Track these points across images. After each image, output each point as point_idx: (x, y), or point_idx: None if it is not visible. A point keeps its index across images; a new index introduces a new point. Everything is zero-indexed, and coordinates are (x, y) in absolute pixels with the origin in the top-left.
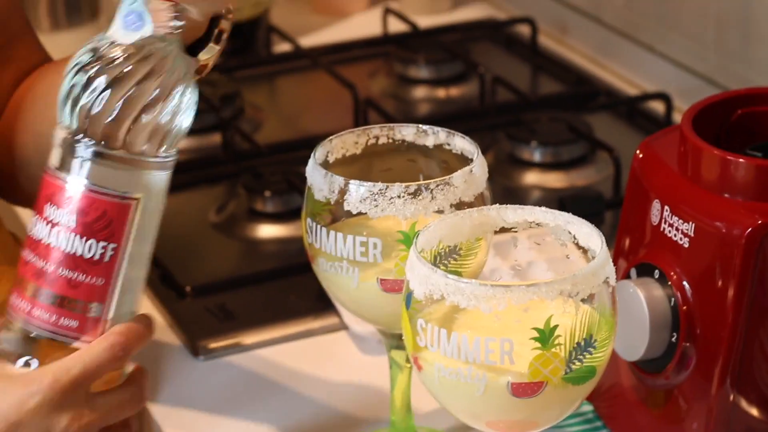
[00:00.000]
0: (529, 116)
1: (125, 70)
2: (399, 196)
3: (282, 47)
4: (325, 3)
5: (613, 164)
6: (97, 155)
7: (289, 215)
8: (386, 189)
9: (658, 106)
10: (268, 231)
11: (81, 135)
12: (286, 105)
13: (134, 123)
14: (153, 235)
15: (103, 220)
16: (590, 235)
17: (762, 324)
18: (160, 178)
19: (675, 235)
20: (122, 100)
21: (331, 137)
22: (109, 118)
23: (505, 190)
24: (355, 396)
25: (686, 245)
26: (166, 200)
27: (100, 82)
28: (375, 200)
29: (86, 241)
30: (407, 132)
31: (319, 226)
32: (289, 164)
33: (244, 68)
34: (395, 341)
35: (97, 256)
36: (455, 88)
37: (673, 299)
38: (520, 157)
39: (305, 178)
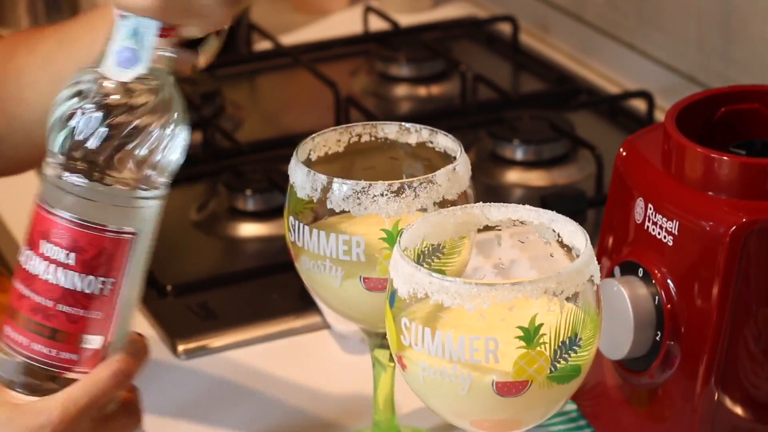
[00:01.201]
0: (510, 114)
1: (119, 106)
2: (382, 195)
3: (263, 45)
4: (305, 1)
5: (596, 162)
6: (92, 191)
7: (271, 214)
8: (369, 187)
9: (639, 105)
10: (249, 229)
11: (73, 170)
12: (267, 103)
13: (128, 158)
14: (148, 259)
15: (102, 256)
16: (574, 233)
17: (746, 323)
18: (155, 208)
19: (659, 234)
20: (116, 136)
21: (313, 135)
22: (103, 155)
23: (486, 188)
24: (337, 395)
25: (670, 243)
26: (159, 224)
27: (94, 117)
28: (358, 198)
29: (85, 277)
30: (390, 130)
31: (301, 225)
32: (270, 162)
33: (225, 66)
34: (378, 340)
35: (96, 291)
36: (436, 86)
37: (657, 298)
38: (501, 155)
39: (286, 177)
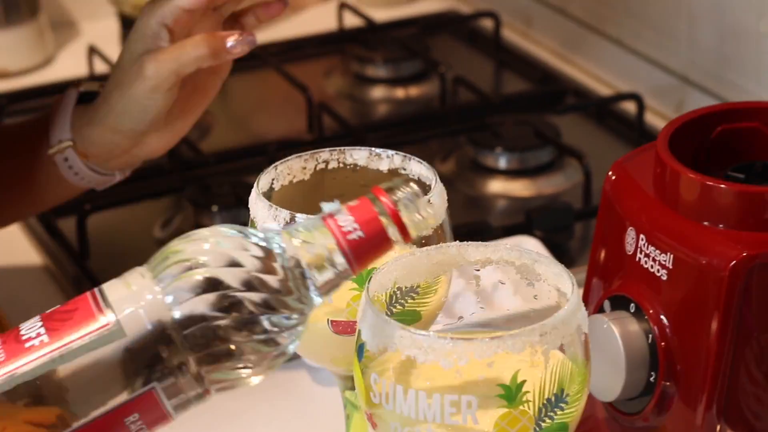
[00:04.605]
0: (493, 119)
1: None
2: None
3: None
4: None
5: (583, 172)
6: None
7: None
8: None
9: (629, 107)
10: None
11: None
12: (236, 107)
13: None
14: None
15: None
16: (560, 276)
17: (746, 361)
18: None
19: (652, 267)
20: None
21: (276, 163)
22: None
23: (468, 199)
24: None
25: (664, 277)
26: None
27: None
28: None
29: None
30: (359, 156)
31: None
32: (238, 173)
33: None
34: (349, 382)
35: None
36: (415, 87)
37: (650, 335)
38: (483, 163)
39: None
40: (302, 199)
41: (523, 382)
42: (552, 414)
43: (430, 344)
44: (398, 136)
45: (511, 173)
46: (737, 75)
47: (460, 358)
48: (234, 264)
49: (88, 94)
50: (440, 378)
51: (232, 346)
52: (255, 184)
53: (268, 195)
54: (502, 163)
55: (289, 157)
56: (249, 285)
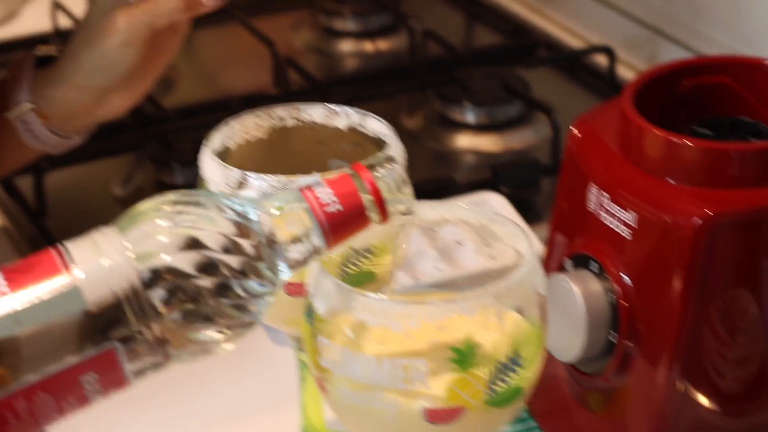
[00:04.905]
0: (462, 73)
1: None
2: None
3: None
4: None
5: (552, 127)
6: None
7: None
8: (288, 183)
9: (601, 60)
10: None
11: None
12: (201, 62)
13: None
14: None
15: None
16: (517, 236)
17: (711, 319)
18: None
19: (615, 225)
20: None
21: (229, 120)
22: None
23: (435, 154)
24: (265, 394)
25: (626, 236)
26: None
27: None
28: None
29: None
30: (316, 113)
31: None
32: (200, 130)
33: None
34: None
35: None
36: (384, 41)
37: (612, 295)
38: (451, 118)
39: None
40: (259, 158)
41: (476, 345)
42: (506, 378)
43: (380, 307)
44: (365, 90)
45: (479, 128)
46: (711, 27)
47: (411, 322)
48: (207, 226)
49: (44, 58)
50: (391, 342)
51: (200, 308)
52: (206, 142)
53: (222, 154)
54: (470, 117)
55: (242, 114)
56: (222, 247)
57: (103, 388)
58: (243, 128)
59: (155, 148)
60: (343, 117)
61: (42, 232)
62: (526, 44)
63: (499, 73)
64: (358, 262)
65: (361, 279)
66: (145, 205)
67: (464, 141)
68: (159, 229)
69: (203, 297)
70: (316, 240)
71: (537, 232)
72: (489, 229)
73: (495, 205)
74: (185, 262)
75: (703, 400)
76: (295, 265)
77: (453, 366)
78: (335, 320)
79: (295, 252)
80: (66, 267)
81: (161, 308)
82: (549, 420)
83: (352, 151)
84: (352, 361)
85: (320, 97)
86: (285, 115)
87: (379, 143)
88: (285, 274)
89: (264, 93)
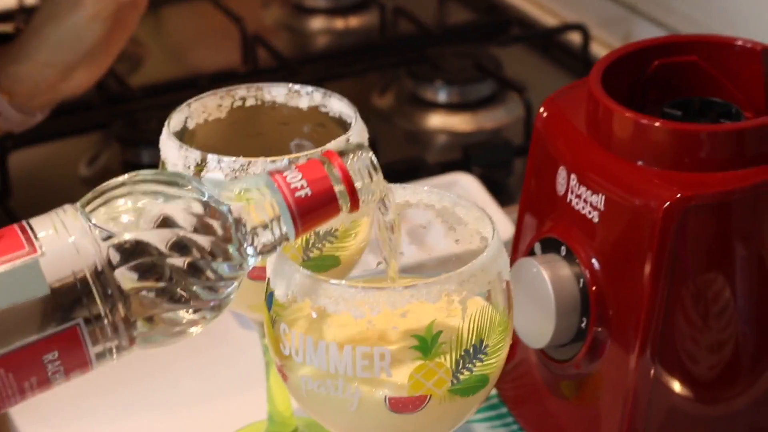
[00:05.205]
0: (433, 51)
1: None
2: None
3: None
4: None
5: (524, 106)
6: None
7: None
8: (249, 165)
9: (575, 38)
10: None
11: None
12: (169, 40)
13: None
14: None
15: None
16: (481, 220)
17: (683, 303)
18: None
19: (583, 208)
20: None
21: (189, 101)
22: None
23: (406, 134)
24: (232, 379)
25: (596, 220)
26: None
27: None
28: (236, 178)
29: None
30: (278, 92)
31: None
32: (167, 108)
33: None
34: None
35: None
36: (354, 17)
37: (581, 279)
38: (422, 97)
39: None
40: (220, 139)
41: (439, 333)
42: (470, 366)
43: (340, 294)
44: (335, 68)
45: (450, 107)
46: (686, 5)
47: (371, 309)
48: (176, 205)
49: (2, 35)
50: (352, 329)
51: (168, 288)
52: (166, 123)
53: (181, 134)
54: (442, 96)
55: (203, 95)
56: (191, 226)
57: (66, 369)
58: (204, 109)
59: (121, 127)
60: (305, 96)
61: (6, 212)
62: (499, 22)
63: (472, 51)
64: (320, 246)
65: (324, 263)
66: (112, 183)
67: (436, 120)
68: (127, 207)
69: (172, 276)
70: (285, 226)
71: (509, 214)
72: (453, 212)
73: (466, 186)
74: (155, 239)
75: (677, 386)
76: (263, 250)
77: (416, 354)
78: (295, 307)
79: (263, 237)
80: (29, 243)
81: (128, 287)
82: (521, 406)
83: (314, 132)
84: (312, 348)
85: (289, 75)
86: (247, 95)
87: (342, 124)
88: (252, 259)
89: (232, 71)
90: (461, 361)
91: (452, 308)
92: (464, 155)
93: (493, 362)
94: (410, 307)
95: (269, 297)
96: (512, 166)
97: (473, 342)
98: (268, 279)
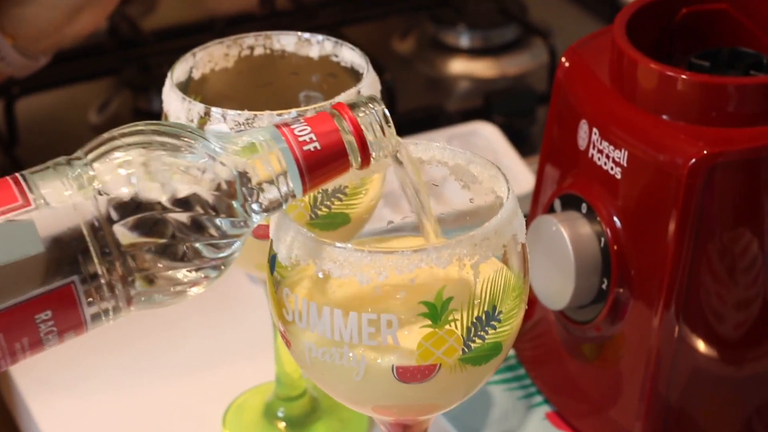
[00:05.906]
0: None
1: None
2: None
3: None
4: None
5: (548, 52)
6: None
7: None
8: (254, 118)
9: None
10: None
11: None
12: None
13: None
14: None
15: None
16: (495, 179)
17: (709, 260)
18: None
19: (605, 164)
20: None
21: (194, 50)
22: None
23: (427, 80)
24: (241, 339)
25: (618, 176)
26: None
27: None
28: (241, 132)
29: None
30: (287, 41)
31: None
32: (181, 53)
33: None
34: None
35: None
36: None
37: (602, 238)
38: (444, 42)
39: None
40: (227, 90)
41: (450, 299)
42: (483, 334)
43: (345, 257)
44: (354, 12)
45: (473, 52)
46: None
47: (378, 273)
48: (180, 158)
49: None
50: (358, 295)
51: (170, 244)
52: (169, 74)
53: (185, 85)
54: (464, 41)
55: (209, 43)
56: (193, 180)
57: (59, 330)
58: (210, 58)
59: (133, 73)
60: (315, 45)
61: (13, 161)
62: None
63: None
64: (329, 203)
65: (333, 221)
66: (114, 133)
67: (457, 66)
68: (127, 160)
69: (174, 233)
70: (292, 181)
71: (531, 165)
72: (467, 170)
73: (487, 135)
74: (156, 194)
75: (702, 347)
76: (269, 207)
77: (425, 321)
78: (298, 270)
79: (269, 193)
80: (23, 196)
81: (128, 244)
82: (539, 367)
83: (325, 83)
84: (316, 314)
85: (307, 18)
86: (255, 43)
87: (354, 74)
88: (257, 216)
89: (249, 14)
90: (473, 329)
91: (464, 273)
92: (485, 103)
93: (507, 330)
94: (419, 271)
95: (272, 259)
96: (535, 114)
97: (486, 308)
98: (270, 240)
